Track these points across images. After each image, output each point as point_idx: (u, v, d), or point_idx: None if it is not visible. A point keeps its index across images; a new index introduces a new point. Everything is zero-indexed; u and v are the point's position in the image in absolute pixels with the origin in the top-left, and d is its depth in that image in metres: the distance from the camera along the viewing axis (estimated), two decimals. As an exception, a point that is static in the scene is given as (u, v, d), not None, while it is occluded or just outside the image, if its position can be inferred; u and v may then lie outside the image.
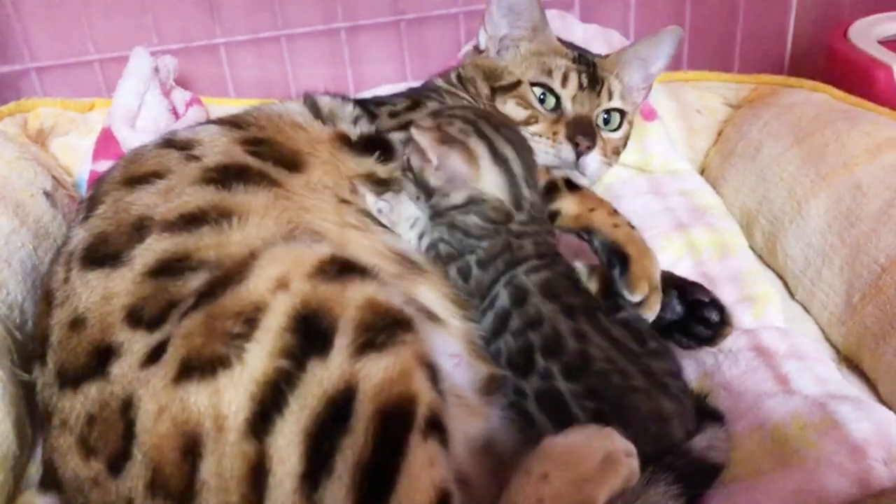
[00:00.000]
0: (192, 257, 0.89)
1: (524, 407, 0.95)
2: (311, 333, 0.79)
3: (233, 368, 0.78)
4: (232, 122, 1.17)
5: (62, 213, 1.32)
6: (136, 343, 0.83)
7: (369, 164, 1.15)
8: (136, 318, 0.85)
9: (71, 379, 0.87)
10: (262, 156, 1.08)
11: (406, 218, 1.09)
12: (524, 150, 1.10)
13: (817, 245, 1.31)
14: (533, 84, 1.30)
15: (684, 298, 1.12)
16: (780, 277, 1.42)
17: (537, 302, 0.99)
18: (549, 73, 1.30)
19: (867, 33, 1.73)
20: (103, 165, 1.36)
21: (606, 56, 1.40)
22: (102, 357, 0.85)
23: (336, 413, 0.75)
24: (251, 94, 1.78)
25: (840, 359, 1.23)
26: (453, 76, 1.43)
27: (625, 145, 1.37)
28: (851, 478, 0.88)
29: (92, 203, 1.03)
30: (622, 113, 1.34)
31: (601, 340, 0.95)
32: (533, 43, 1.35)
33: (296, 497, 0.73)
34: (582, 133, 1.25)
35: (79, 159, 1.56)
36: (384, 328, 0.81)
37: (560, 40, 1.38)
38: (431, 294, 1.03)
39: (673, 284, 1.13)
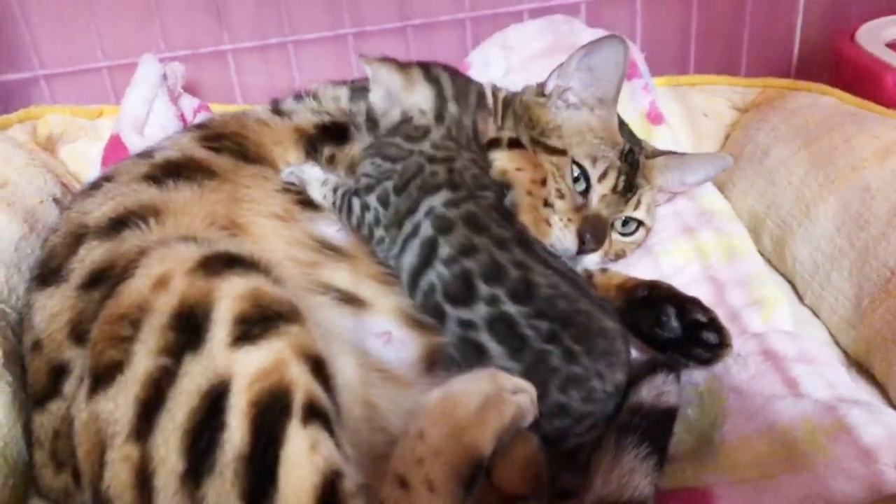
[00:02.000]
0: (116, 265, 0.89)
1: (474, 338, 0.95)
2: (187, 328, 0.78)
3: (124, 373, 0.77)
4: (198, 125, 1.21)
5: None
6: (79, 359, 0.84)
7: (325, 151, 1.18)
8: (78, 334, 0.86)
9: (38, 399, 0.90)
10: (220, 150, 1.10)
11: (316, 178, 1.11)
12: (460, 79, 1.17)
13: (826, 249, 1.30)
14: (574, 162, 1.25)
15: (682, 317, 1.11)
16: (789, 281, 1.41)
17: (466, 233, 0.99)
18: (594, 161, 1.25)
19: (875, 36, 1.72)
20: (112, 172, 1.37)
21: (655, 156, 1.36)
22: (57, 376, 0.88)
23: (211, 408, 0.74)
24: (259, 101, 1.76)
25: (850, 363, 1.22)
26: (501, 94, 1.38)
27: (634, 249, 1.35)
28: (861, 482, 0.87)
29: (59, 220, 1.06)
30: (640, 223, 1.32)
31: (542, 268, 0.97)
32: (593, 114, 1.30)
33: (179, 497, 0.72)
34: (593, 234, 1.22)
35: (87, 166, 1.57)
36: (262, 320, 0.79)
37: (620, 121, 1.34)
38: (353, 277, 1.03)
39: (672, 301, 1.13)
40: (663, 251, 1.37)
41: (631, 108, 1.59)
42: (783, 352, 1.11)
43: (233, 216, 1.01)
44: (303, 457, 0.74)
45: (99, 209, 0.99)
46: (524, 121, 1.31)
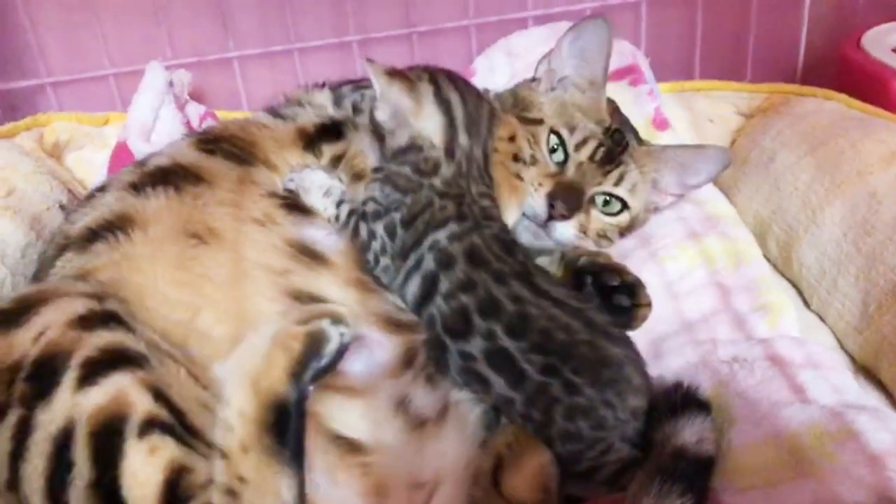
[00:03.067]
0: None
1: (475, 369, 0.95)
2: (41, 378, 0.80)
3: (4, 421, 0.79)
4: (201, 130, 1.22)
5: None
6: None
7: (326, 151, 1.16)
8: None
9: None
10: (213, 151, 1.10)
11: (318, 186, 1.10)
12: (472, 100, 1.13)
13: (832, 254, 1.30)
14: (552, 131, 1.25)
15: (598, 284, 1.10)
16: (795, 287, 1.41)
17: (465, 268, 0.99)
18: (572, 130, 1.25)
19: (881, 41, 1.72)
20: (118, 178, 1.37)
21: (648, 145, 1.36)
22: None
23: (62, 450, 0.76)
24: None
25: (856, 368, 1.22)
26: (492, 94, 1.38)
27: (621, 235, 1.31)
28: (869, 489, 0.87)
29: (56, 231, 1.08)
30: (624, 204, 1.28)
31: (539, 300, 0.96)
32: (584, 95, 1.31)
33: None
34: (564, 200, 1.19)
35: (94, 173, 1.57)
36: (109, 364, 0.80)
37: (614, 106, 1.34)
38: (330, 284, 1.02)
39: (590, 270, 1.12)
40: (668, 256, 1.37)
41: (636, 114, 1.59)
42: (790, 357, 1.10)
43: (209, 222, 1.00)
44: (142, 462, 0.76)
45: (83, 220, 1.00)
46: (509, 104, 1.33)
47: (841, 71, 1.76)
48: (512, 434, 0.96)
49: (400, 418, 0.94)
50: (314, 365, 0.81)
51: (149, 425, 0.78)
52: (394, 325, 1.00)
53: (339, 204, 1.09)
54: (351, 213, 1.08)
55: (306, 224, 1.07)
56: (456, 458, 0.96)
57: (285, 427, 0.79)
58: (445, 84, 1.12)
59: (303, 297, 0.98)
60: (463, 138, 1.09)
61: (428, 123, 1.08)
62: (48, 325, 0.83)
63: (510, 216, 1.16)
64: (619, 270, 1.13)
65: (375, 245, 1.06)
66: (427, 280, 1.01)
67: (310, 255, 1.03)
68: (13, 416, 0.79)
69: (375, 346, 0.99)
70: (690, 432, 0.92)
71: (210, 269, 0.95)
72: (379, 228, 1.05)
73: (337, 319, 0.83)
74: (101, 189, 1.08)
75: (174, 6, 1.82)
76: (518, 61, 1.73)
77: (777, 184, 1.47)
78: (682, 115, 1.74)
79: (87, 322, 0.84)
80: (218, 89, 1.87)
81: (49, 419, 0.78)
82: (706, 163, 1.34)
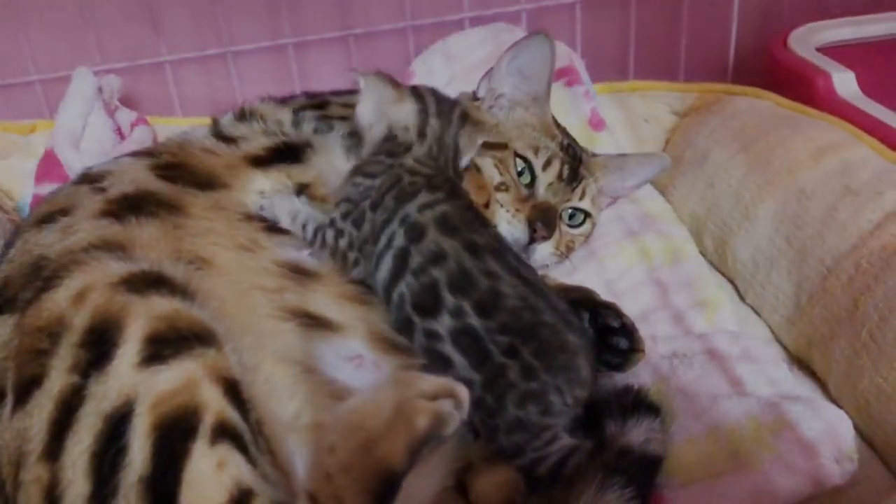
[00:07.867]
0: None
1: (439, 349, 0.94)
2: (97, 345, 0.77)
3: (41, 388, 0.76)
4: (145, 153, 1.17)
5: (3, 238, 1.28)
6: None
7: (283, 172, 1.14)
8: None
9: None
10: (174, 179, 1.08)
11: (287, 213, 1.10)
12: (444, 100, 1.18)
13: (765, 249, 1.33)
14: (517, 155, 1.27)
15: (595, 322, 1.11)
16: (731, 281, 1.44)
17: (436, 237, 0.98)
18: (536, 151, 1.27)
19: (806, 41, 1.77)
20: (47, 188, 1.33)
21: (594, 155, 1.39)
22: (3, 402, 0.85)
23: (116, 429, 0.74)
24: (198, 113, 1.75)
25: (790, 359, 1.25)
26: None
27: (583, 243, 1.36)
28: (805, 476, 0.90)
29: (6, 247, 1.03)
30: (587, 214, 1.33)
31: (511, 278, 0.96)
32: (528, 112, 1.32)
33: None
34: (543, 221, 1.22)
35: (21, 182, 1.51)
36: (176, 341, 0.78)
37: (554, 121, 1.37)
38: (325, 299, 1.01)
39: (586, 306, 1.12)
40: (608, 255, 1.38)
41: (573, 115, 1.61)
42: (727, 351, 1.13)
43: (197, 250, 0.98)
44: (207, 476, 0.73)
45: (60, 243, 0.96)
46: None
47: (769, 70, 1.81)
48: (487, 447, 0.95)
49: None
50: (431, 445, 0.79)
51: (221, 432, 0.75)
52: (389, 345, 0.99)
53: (304, 226, 1.08)
54: (316, 230, 1.07)
55: (289, 244, 1.06)
56: (438, 482, 0.94)
57: (388, 498, 0.76)
58: (422, 88, 1.18)
59: (298, 316, 0.97)
60: (434, 122, 1.13)
61: (404, 108, 1.13)
62: (88, 286, 0.80)
63: None
64: (615, 309, 1.12)
65: (342, 242, 1.05)
66: (398, 258, 0.99)
67: (300, 272, 1.03)
68: (62, 380, 0.75)
69: (370, 365, 0.98)
70: (637, 433, 0.93)
71: (213, 289, 0.93)
72: (347, 225, 1.05)
73: (458, 401, 0.81)
74: (64, 213, 1.02)
75: (103, 9, 1.77)
76: (456, 63, 1.73)
77: (711, 181, 1.49)
78: (618, 115, 1.76)
79: (134, 283, 0.81)
80: (150, 95, 1.82)
81: (104, 392, 0.74)
82: (643, 167, 1.41)
